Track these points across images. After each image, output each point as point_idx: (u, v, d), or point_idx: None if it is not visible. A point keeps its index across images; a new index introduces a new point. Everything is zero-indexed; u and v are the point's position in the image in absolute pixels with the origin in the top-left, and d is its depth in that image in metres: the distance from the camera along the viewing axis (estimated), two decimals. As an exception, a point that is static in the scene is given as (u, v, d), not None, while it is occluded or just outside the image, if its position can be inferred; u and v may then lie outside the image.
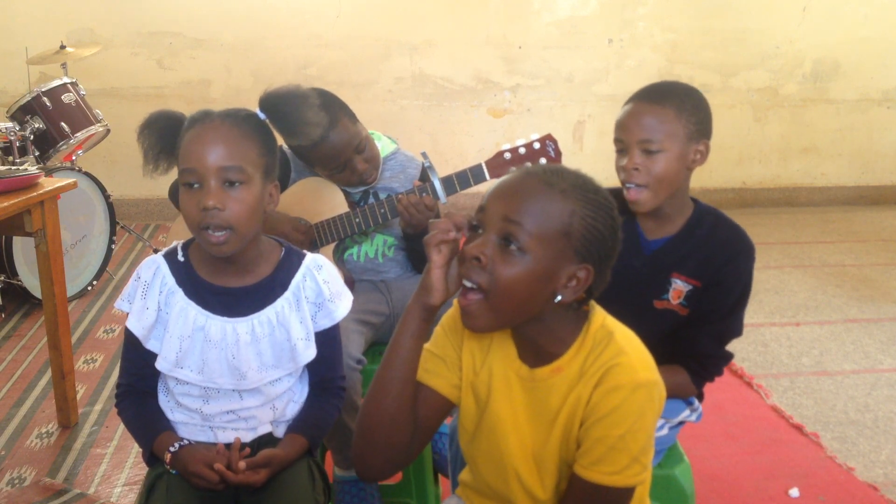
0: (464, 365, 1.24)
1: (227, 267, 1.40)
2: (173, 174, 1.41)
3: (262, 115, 1.39)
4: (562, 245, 1.09)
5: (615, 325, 1.17)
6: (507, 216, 1.09)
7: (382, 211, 1.94)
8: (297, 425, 1.47)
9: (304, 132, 1.42)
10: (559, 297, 1.10)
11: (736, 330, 1.59)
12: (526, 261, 1.08)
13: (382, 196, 2.03)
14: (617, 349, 1.12)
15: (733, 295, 1.55)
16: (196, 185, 1.31)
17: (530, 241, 1.08)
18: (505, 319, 1.14)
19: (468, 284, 1.11)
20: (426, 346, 1.25)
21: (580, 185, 1.11)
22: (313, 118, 1.42)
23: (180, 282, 1.40)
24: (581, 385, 1.12)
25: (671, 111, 1.50)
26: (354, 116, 1.96)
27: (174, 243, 1.46)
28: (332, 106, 1.91)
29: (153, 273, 1.40)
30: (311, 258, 1.45)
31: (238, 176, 1.31)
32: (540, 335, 1.16)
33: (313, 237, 1.99)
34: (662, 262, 1.57)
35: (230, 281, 1.40)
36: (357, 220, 1.96)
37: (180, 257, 1.42)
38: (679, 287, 1.56)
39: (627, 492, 1.12)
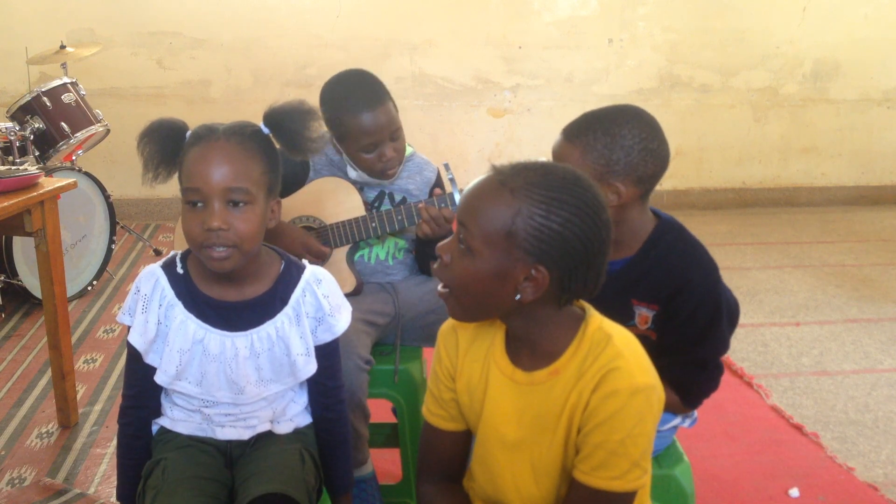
0: (460, 376, 1.25)
1: (227, 281, 1.39)
2: (172, 183, 1.39)
3: (265, 130, 1.38)
4: (506, 245, 1.08)
5: (613, 327, 1.16)
6: (460, 218, 1.13)
7: (399, 218, 1.96)
8: (335, 487, 1.51)
9: (308, 147, 1.42)
10: (518, 296, 1.10)
11: (717, 350, 1.52)
12: (476, 261, 1.10)
13: (397, 197, 2.06)
14: (615, 352, 1.11)
15: (698, 323, 1.47)
16: (199, 204, 1.31)
17: (476, 242, 1.10)
18: (474, 314, 1.18)
19: (439, 283, 1.16)
20: (429, 383, 1.29)
21: (537, 183, 1.08)
22: (317, 134, 1.42)
23: (179, 294, 1.39)
24: (579, 387, 1.12)
25: (577, 151, 1.45)
26: (396, 106, 1.99)
27: (172, 253, 1.45)
28: (378, 88, 1.95)
29: (152, 286, 1.39)
30: (310, 272, 1.44)
31: (242, 196, 1.31)
32: (533, 333, 1.16)
33: (326, 257, 2.00)
34: (621, 284, 1.50)
35: (229, 295, 1.40)
36: (374, 224, 1.97)
37: (179, 269, 1.41)
38: (644, 313, 1.51)
39: (629, 496, 1.11)
